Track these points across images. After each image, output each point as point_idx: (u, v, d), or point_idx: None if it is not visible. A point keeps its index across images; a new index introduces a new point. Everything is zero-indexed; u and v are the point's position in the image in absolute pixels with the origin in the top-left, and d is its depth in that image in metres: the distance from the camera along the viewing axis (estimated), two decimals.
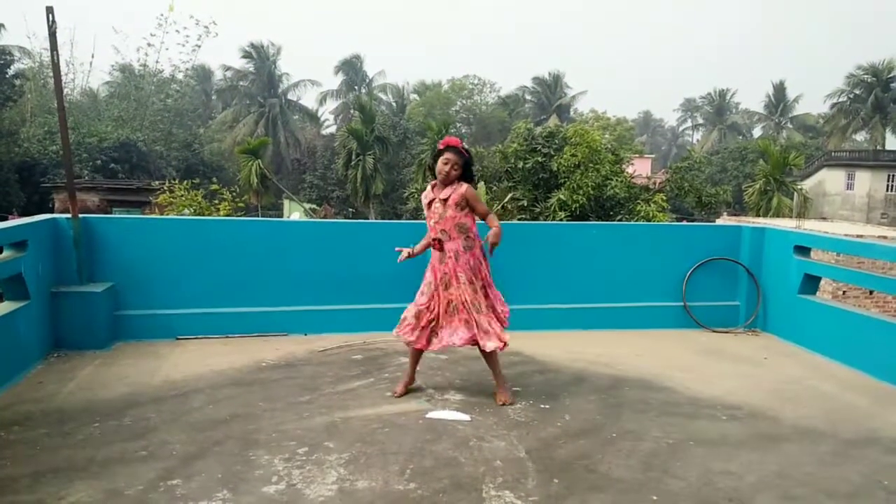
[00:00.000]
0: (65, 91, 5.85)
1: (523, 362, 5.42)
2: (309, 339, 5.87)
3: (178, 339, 5.72)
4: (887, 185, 44.12)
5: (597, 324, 6.53)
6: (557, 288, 6.58)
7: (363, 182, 38.05)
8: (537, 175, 21.14)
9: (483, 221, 4.42)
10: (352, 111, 50.83)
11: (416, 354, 4.60)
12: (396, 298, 5.07)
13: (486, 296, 4.43)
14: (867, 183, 44.12)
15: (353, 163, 38.64)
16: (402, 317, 4.48)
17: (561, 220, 18.94)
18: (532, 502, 3.16)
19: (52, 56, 5.23)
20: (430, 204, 4.41)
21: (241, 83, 55.64)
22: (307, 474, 3.37)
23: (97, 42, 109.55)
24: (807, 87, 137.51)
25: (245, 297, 5.96)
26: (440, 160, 4.35)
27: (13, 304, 4.75)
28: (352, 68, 60.63)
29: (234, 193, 21.11)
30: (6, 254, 4.82)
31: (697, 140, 78.36)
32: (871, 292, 13.92)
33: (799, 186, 33.57)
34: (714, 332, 6.64)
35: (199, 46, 43.07)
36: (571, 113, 61.27)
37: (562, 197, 19.84)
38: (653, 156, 58.84)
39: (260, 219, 9.15)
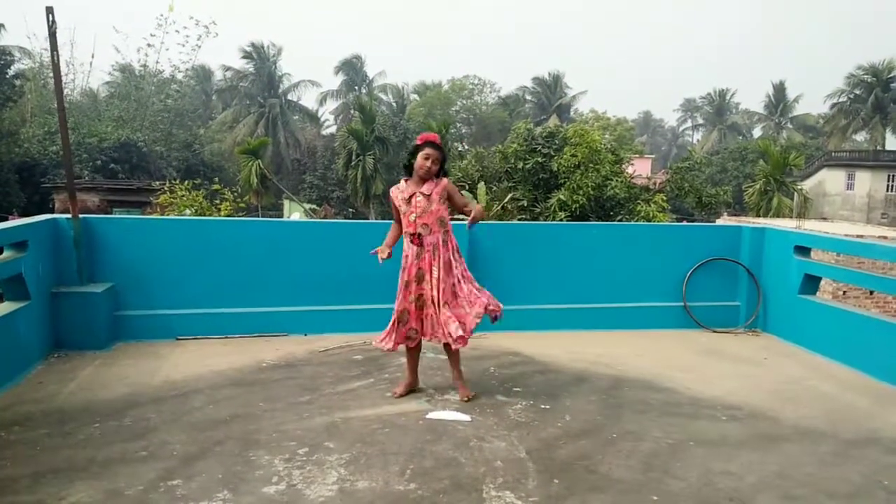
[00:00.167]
0: (65, 91, 5.85)
1: (523, 362, 5.42)
2: (309, 339, 5.87)
3: (178, 339, 5.72)
4: (887, 186, 44.13)
5: (597, 324, 6.53)
6: (558, 288, 6.58)
7: (363, 182, 38.04)
8: (537, 175, 21.15)
9: (462, 213, 4.47)
10: (352, 111, 50.83)
11: (413, 355, 4.59)
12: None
13: (455, 294, 4.39)
14: (867, 183, 44.13)
15: (353, 163, 38.63)
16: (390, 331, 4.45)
17: (561, 220, 18.95)
18: (532, 503, 3.16)
19: (53, 56, 5.23)
20: (409, 199, 4.37)
21: (241, 83, 55.65)
22: (307, 475, 3.37)
23: (97, 42, 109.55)
24: (807, 88, 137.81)
25: (245, 297, 5.96)
26: (420, 156, 4.33)
27: (13, 305, 4.75)
28: (352, 68, 60.65)
29: (236, 194, 21.11)
30: (6, 254, 4.82)
31: (697, 140, 78.37)
32: (871, 292, 13.92)
33: (799, 187, 33.57)
34: (714, 332, 6.64)
35: (199, 47, 43.23)
36: (571, 113, 61.29)
37: (562, 197, 19.85)
38: (653, 156, 58.86)
39: (260, 219, 9.16)
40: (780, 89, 66.27)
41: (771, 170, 31.85)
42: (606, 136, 27.66)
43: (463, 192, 20.75)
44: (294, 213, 30.85)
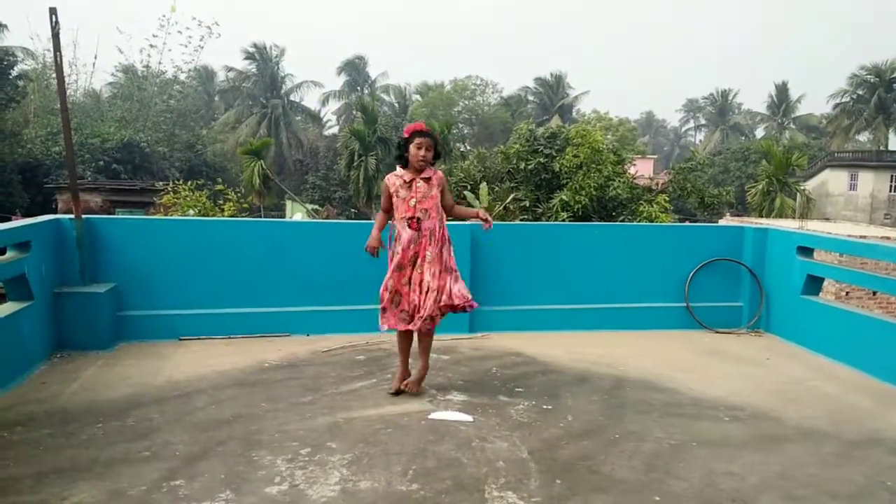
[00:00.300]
0: (68, 92, 5.87)
1: (525, 363, 5.42)
2: (311, 339, 5.87)
3: (180, 339, 5.72)
4: (890, 186, 44.02)
5: (599, 324, 6.53)
6: (560, 288, 6.58)
7: (365, 183, 38.07)
8: (539, 176, 21.13)
9: (449, 214, 4.54)
10: (354, 112, 50.85)
11: (405, 341, 4.59)
12: None
13: (441, 281, 4.40)
14: (870, 183, 44.03)
15: (355, 163, 38.68)
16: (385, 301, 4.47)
17: (563, 220, 18.92)
18: (534, 503, 3.16)
19: (56, 57, 5.24)
20: (410, 184, 4.39)
21: (243, 84, 55.71)
22: (310, 475, 3.37)
23: (100, 43, 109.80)
24: (808, 88, 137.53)
25: (248, 297, 5.97)
26: (412, 147, 4.34)
27: (17, 305, 4.76)
28: (354, 69, 60.73)
29: (239, 194, 21.11)
30: (10, 254, 4.83)
31: (700, 141, 78.29)
32: (874, 293, 13.89)
33: (802, 187, 33.53)
34: (717, 332, 6.63)
35: (202, 47, 43.18)
36: (574, 113, 61.26)
37: (564, 198, 19.82)
38: (655, 156, 58.75)
39: (262, 220, 9.16)
40: (782, 89, 66.19)
41: (774, 170, 31.81)
42: (609, 136, 27.60)
43: (465, 192, 20.79)
44: (296, 213, 30.89)
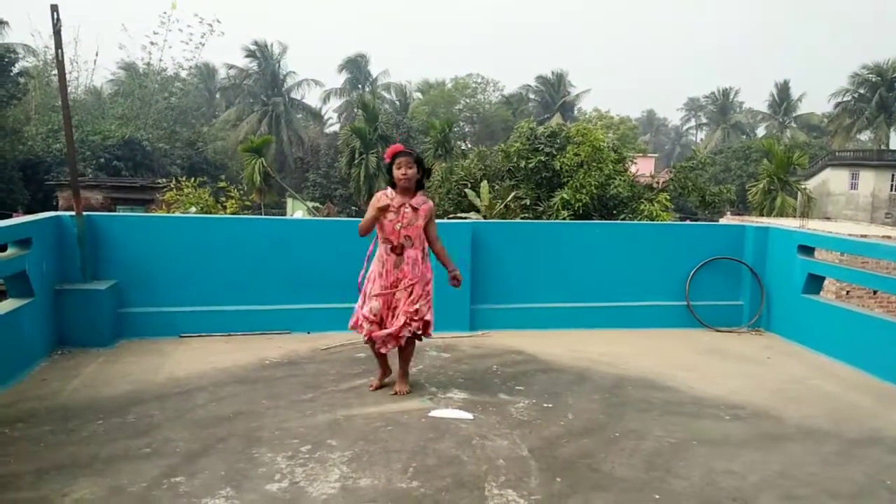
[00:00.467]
0: (69, 89, 5.87)
1: (526, 361, 5.42)
2: (312, 337, 5.88)
3: (181, 336, 5.73)
4: (891, 185, 43.99)
5: (600, 323, 6.52)
6: (560, 287, 6.57)
7: (366, 180, 38.08)
8: (540, 174, 21.12)
9: (433, 249, 4.51)
10: (355, 110, 50.84)
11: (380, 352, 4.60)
12: None
13: (428, 302, 4.44)
14: (871, 183, 44.00)
15: (356, 161, 38.71)
16: (361, 318, 4.45)
17: (564, 219, 18.91)
18: (535, 501, 3.16)
19: (57, 54, 5.24)
20: (398, 209, 4.37)
21: (244, 82, 55.68)
22: (310, 472, 3.37)
23: (101, 40, 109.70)
24: (809, 87, 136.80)
25: (248, 295, 5.97)
26: (394, 168, 4.39)
27: (17, 302, 4.77)
28: (356, 67, 60.71)
29: (241, 192, 21.12)
30: (10, 251, 4.83)
31: (701, 139, 78.30)
32: (874, 292, 13.90)
33: (803, 186, 33.55)
34: (717, 331, 6.63)
35: (203, 44, 43.16)
36: (575, 112, 61.25)
37: (565, 196, 19.82)
38: (656, 155, 58.75)
39: (263, 217, 9.16)
40: (783, 88, 66.17)
41: (775, 169, 31.82)
42: (610, 134, 27.59)
43: (466, 190, 20.79)
44: (297, 211, 30.89)
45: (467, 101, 58.64)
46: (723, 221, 23.02)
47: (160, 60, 42.84)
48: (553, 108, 59.88)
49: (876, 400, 4.78)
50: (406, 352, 4.55)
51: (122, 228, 5.79)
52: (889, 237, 16.37)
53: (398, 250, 4.39)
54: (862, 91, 53.58)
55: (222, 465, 3.40)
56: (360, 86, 60.60)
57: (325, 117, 61.05)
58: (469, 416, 4.18)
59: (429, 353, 5.51)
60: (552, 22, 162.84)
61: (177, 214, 15.47)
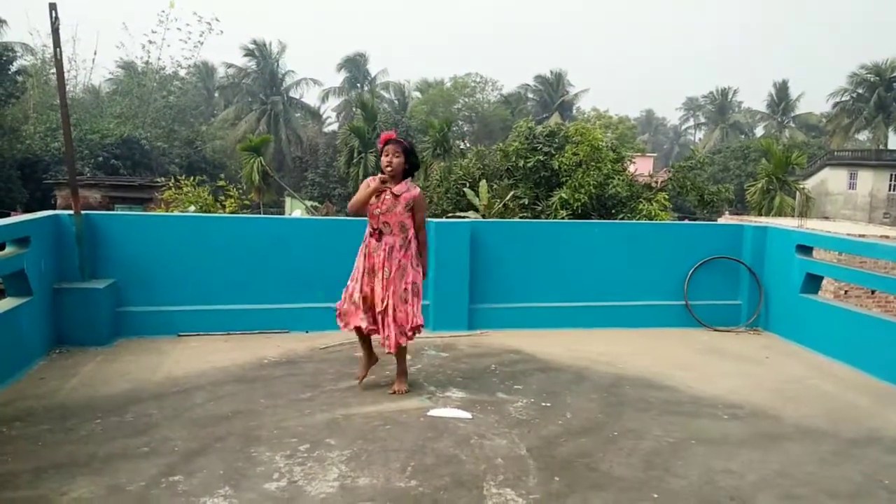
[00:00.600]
0: (67, 88, 5.86)
1: (524, 360, 5.42)
2: (310, 336, 5.87)
3: (179, 335, 5.72)
4: (890, 185, 43.99)
5: (598, 322, 6.53)
6: (559, 286, 6.57)
7: (365, 180, 37.99)
8: (539, 173, 21.11)
9: (415, 232, 4.49)
10: (354, 109, 50.79)
11: (365, 337, 4.61)
12: None
13: (404, 301, 4.42)
14: (869, 182, 44.01)
15: (354, 161, 38.63)
16: (341, 309, 4.53)
17: (563, 218, 18.91)
18: (533, 500, 3.16)
19: (55, 52, 5.23)
20: (380, 194, 4.41)
21: (243, 81, 55.63)
22: (308, 471, 3.37)
23: (99, 39, 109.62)
24: (808, 86, 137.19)
25: (247, 294, 5.97)
26: (382, 155, 4.43)
27: (16, 301, 4.76)
28: (355, 66, 60.63)
29: (241, 191, 21.10)
30: (9, 250, 4.83)
31: (700, 139, 78.30)
32: (872, 292, 13.92)
33: (801, 186, 33.54)
34: (716, 330, 6.64)
35: (202, 43, 43.11)
36: (574, 111, 61.27)
37: (563, 195, 19.82)
38: (655, 154, 58.73)
39: (261, 216, 9.15)
40: (782, 88, 66.18)
41: (773, 169, 31.83)
42: (608, 134, 27.57)
43: (464, 189, 20.78)
44: (295, 210, 30.86)
45: (466, 100, 58.60)
46: (721, 221, 23.04)
47: (158, 59, 42.90)
48: (552, 107, 59.87)
49: (874, 400, 4.79)
50: (397, 352, 4.54)
51: (121, 227, 5.79)
52: (887, 237, 16.39)
53: (376, 236, 4.42)
54: (860, 91, 53.62)
55: (221, 464, 3.40)
56: (358, 85, 60.54)
57: (324, 116, 61.02)
58: (467, 415, 4.18)
59: (427, 352, 5.51)
60: (552, 22, 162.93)
61: (175, 213, 15.46)
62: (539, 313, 6.46)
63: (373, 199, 4.42)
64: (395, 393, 4.50)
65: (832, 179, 45.33)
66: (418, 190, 4.52)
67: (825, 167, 45.95)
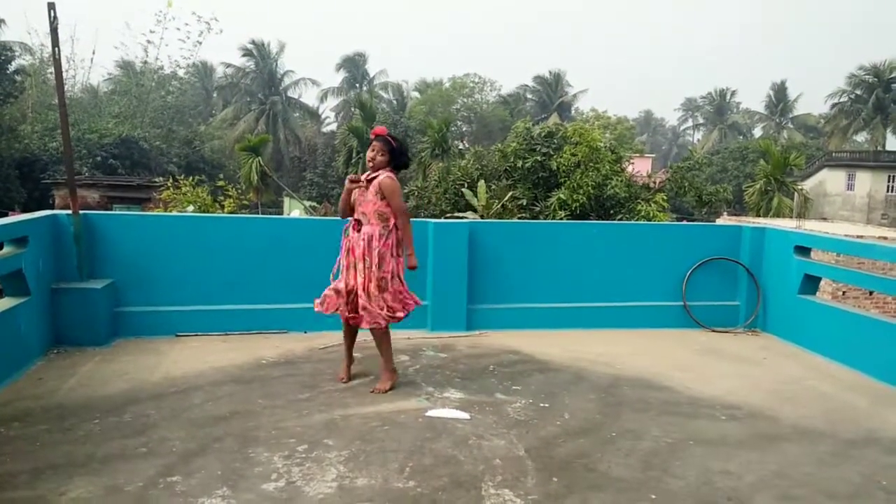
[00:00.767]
0: (65, 87, 5.85)
1: (522, 361, 5.42)
2: (309, 336, 5.87)
3: (178, 335, 5.72)
4: (888, 186, 44.05)
5: (596, 323, 6.53)
6: (557, 287, 6.58)
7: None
8: (537, 174, 21.10)
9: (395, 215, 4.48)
10: (352, 109, 50.77)
11: (350, 332, 4.69)
12: None
13: (381, 289, 4.44)
14: (868, 183, 44.06)
15: (353, 161, 38.59)
16: (324, 295, 4.63)
17: (561, 219, 18.91)
18: (531, 501, 3.16)
19: (54, 52, 5.22)
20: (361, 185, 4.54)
21: (242, 81, 55.59)
22: (307, 472, 3.37)
23: (98, 38, 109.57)
24: (806, 87, 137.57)
25: (245, 294, 5.97)
26: (368, 149, 4.54)
27: (13, 301, 4.75)
28: (353, 66, 60.62)
29: (239, 191, 21.08)
30: (7, 250, 4.82)
31: (698, 139, 78.35)
32: (870, 293, 13.93)
33: (799, 187, 33.59)
34: (714, 331, 6.64)
35: (201, 43, 43.03)
36: (572, 111, 61.28)
37: (562, 196, 19.81)
38: (653, 155, 58.81)
39: (260, 216, 9.15)
40: (780, 89, 66.25)
41: (771, 170, 31.88)
42: (607, 134, 27.60)
43: (463, 189, 20.78)
44: (294, 210, 30.82)
45: (465, 100, 58.58)
46: (719, 222, 23.07)
47: (157, 59, 42.71)
48: (550, 107, 59.89)
49: (872, 400, 4.80)
50: (377, 344, 4.59)
51: (119, 227, 5.78)
52: (885, 238, 16.41)
53: (356, 226, 4.50)
54: (859, 92, 53.65)
55: (219, 465, 3.40)
56: (357, 85, 60.54)
57: (323, 116, 61.00)
58: (466, 415, 4.18)
59: (426, 352, 5.51)
60: (551, 22, 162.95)
61: (173, 213, 15.45)
62: (537, 314, 6.47)
63: (354, 193, 4.53)
64: (374, 392, 4.50)
65: (830, 180, 45.38)
66: (384, 174, 4.45)
67: (823, 168, 46.01)
